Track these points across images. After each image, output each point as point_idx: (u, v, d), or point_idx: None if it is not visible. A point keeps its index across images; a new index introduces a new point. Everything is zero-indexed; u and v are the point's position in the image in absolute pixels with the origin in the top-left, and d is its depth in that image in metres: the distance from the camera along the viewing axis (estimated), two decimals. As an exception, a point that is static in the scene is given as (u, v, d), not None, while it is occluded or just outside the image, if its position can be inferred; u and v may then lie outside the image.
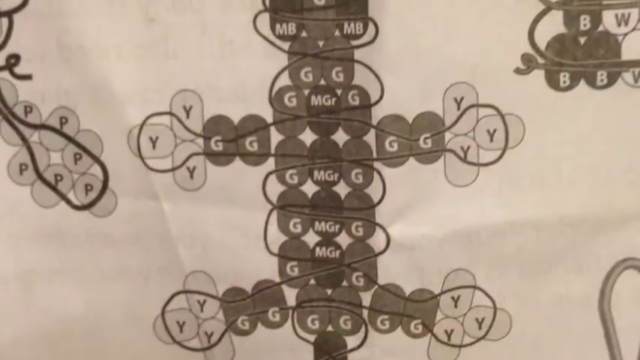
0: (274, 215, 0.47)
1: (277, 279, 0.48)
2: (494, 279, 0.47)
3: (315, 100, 0.46)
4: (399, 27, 0.44)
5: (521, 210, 0.46)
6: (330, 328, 0.48)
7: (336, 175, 0.46)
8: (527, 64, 0.45)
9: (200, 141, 0.46)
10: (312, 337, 0.48)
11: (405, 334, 0.48)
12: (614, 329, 0.47)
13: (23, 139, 0.47)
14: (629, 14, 0.45)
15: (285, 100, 0.46)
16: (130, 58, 0.46)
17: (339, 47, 0.45)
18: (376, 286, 0.47)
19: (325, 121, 0.46)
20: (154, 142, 0.46)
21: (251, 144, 0.46)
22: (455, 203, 0.46)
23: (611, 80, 0.45)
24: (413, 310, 0.47)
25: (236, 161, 0.46)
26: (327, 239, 0.47)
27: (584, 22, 0.45)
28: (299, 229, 0.47)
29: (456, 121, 0.45)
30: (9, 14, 0.46)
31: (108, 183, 0.47)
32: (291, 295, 0.48)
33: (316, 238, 0.47)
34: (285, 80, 0.46)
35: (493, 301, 0.47)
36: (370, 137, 0.46)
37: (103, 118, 0.46)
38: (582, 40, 0.45)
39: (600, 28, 0.45)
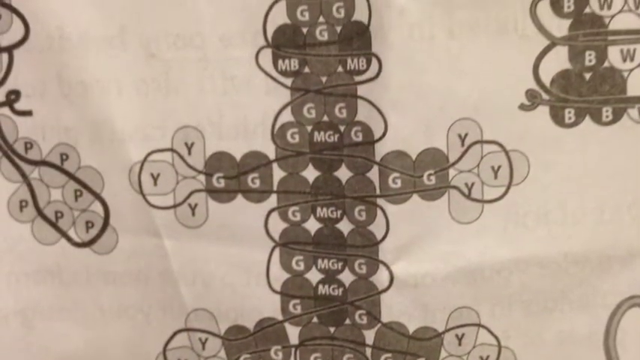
0: (277, 252, 0.47)
1: (280, 317, 0.47)
2: (498, 317, 0.46)
3: (318, 137, 0.45)
4: (403, 63, 0.44)
5: (526, 247, 0.46)
6: (333, 367, 0.48)
7: (339, 212, 0.46)
8: (532, 100, 0.44)
9: (202, 178, 0.46)
10: (315, 376, 0.48)
11: (409, 372, 0.47)
12: (619, 367, 0.47)
13: (23, 175, 0.47)
14: (634, 50, 0.44)
15: (288, 136, 0.45)
16: (130, 94, 0.45)
17: (342, 83, 0.45)
18: (379, 324, 0.47)
19: (328, 157, 0.46)
20: (155, 178, 0.46)
21: (253, 181, 0.46)
22: (459, 240, 0.46)
23: (617, 116, 0.45)
24: (416, 349, 0.47)
25: (238, 198, 0.46)
26: (330, 277, 0.47)
27: (590, 58, 0.44)
28: (301, 266, 0.47)
29: (460, 158, 0.45)
30: (9, 50, 0.45)
31: (109, 220, 0.47)
32: (293, 333, 0.47)
33: (319, 276, 0.47)
34: (287, 116, 0.45)
35: (497, 339, 0.47)
36: (373, 174, 0.45)
37: (103, 155, 0.46)
38: (587, 75, 0.44)
39: (606, 64, 0.44)
